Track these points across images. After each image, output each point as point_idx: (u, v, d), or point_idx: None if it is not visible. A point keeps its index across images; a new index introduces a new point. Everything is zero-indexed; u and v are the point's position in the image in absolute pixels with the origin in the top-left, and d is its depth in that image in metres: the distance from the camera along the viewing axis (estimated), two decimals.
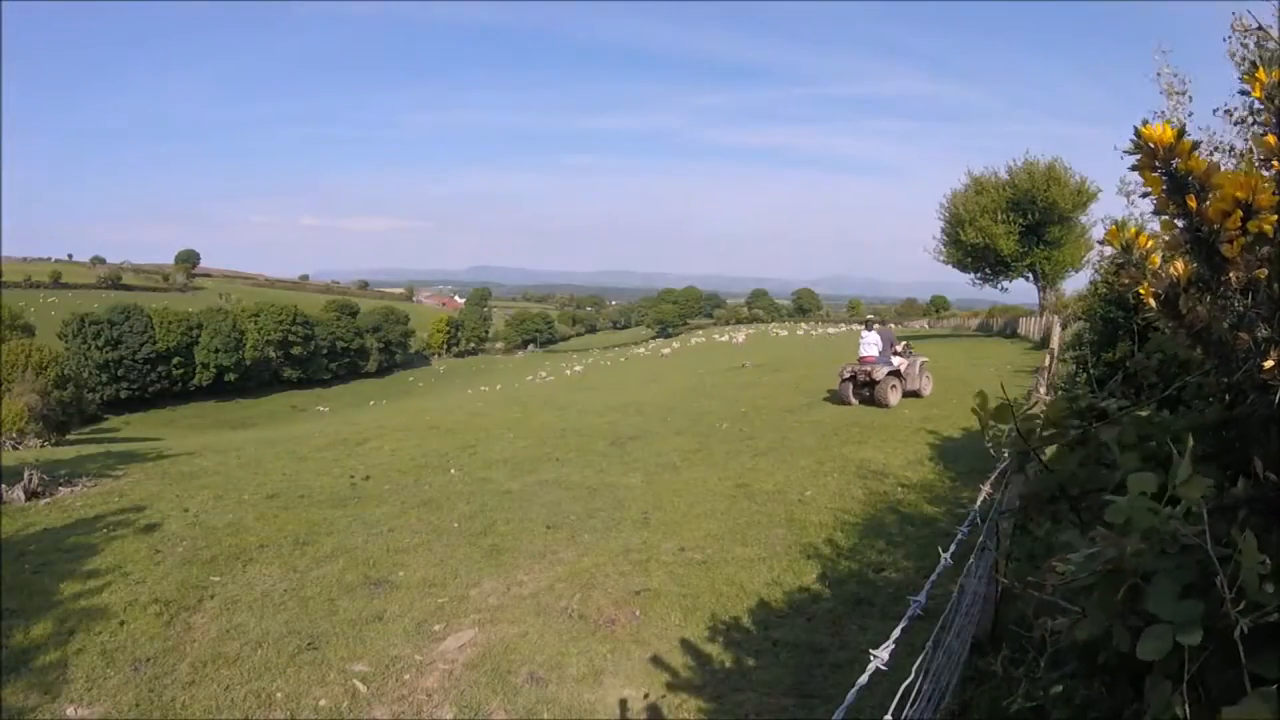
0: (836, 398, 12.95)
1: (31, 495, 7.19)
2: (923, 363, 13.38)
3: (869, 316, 15.16)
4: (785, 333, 61.51)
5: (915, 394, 12.88)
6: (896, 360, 12.65)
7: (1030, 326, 28.15)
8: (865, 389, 12.45)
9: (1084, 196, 28.13)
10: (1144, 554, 0.99)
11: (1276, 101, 1.01)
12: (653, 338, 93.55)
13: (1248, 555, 0.88)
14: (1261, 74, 1.02)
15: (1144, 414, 1.30)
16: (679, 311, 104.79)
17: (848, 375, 12.68)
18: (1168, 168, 1.06)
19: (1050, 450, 1.45)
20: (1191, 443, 1.03)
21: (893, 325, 24.42)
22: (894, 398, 12.26)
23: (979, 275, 31.54)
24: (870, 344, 12.75)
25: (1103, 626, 1.03)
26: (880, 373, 12.22)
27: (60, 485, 7.76)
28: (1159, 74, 4.73)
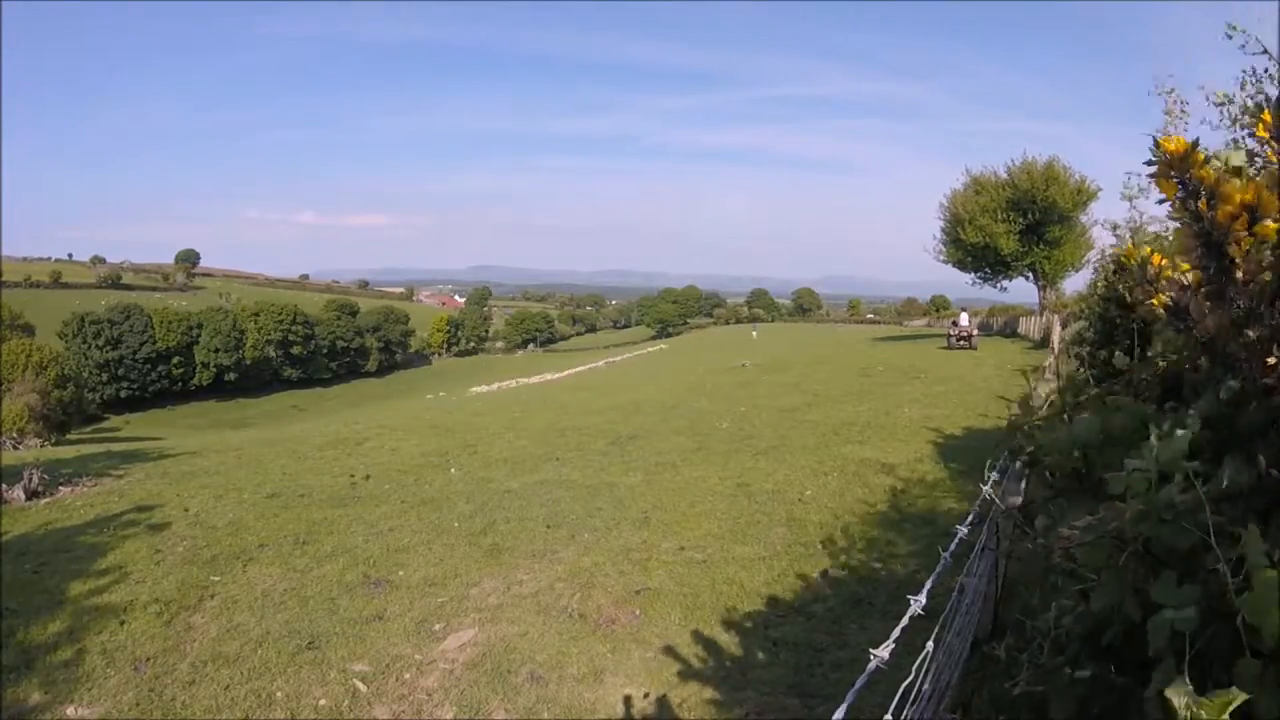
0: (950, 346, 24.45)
1: (32, 495, 7.18)
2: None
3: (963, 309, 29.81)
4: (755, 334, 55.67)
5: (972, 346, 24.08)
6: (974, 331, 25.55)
7: (1030, 326, 28.17)
8: (963, 340, 24.35)
9: (1084, 196, 28.12)
10: (1143, 519, 1.08)
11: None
12: (653, 337, 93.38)
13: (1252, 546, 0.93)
14: (1267, 115, 1.14)
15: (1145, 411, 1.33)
16: (679, 311, 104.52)
17: (955, 333, 24.88)
18: (1182, 177, 1.19)
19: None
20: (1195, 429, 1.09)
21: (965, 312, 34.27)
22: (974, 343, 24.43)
23: (979, 275, 31.56)
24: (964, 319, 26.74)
25: (1115, 597, 1.11)
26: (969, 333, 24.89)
27: (60, 485, 7.75)
28: (1159, 91, 4.83)
